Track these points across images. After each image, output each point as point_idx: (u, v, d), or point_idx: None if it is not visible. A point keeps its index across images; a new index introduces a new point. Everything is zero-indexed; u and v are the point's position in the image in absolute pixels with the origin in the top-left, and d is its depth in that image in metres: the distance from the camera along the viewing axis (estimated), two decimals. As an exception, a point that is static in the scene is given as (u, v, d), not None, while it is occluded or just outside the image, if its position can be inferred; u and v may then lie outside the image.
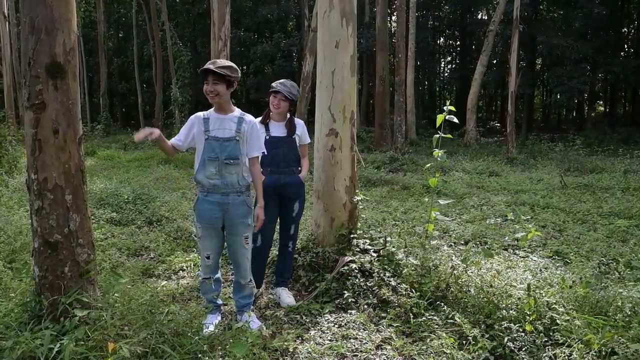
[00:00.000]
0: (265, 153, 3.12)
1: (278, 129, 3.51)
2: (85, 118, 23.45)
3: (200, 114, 2.98)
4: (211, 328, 2.81)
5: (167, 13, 20.36)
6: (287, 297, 3.50)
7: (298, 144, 3.57)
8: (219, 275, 3.19)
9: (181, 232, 5.16)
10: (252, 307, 3.24)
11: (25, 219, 4.70)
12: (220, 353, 2.44)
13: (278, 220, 3.62)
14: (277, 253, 3.75)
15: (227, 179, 2.91)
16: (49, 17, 2.36)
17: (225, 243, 3.07)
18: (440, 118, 3.38)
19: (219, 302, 3.25)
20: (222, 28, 11.18)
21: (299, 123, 3.60)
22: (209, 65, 2.82)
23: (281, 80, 3.50)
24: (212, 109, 2.98)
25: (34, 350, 2.15)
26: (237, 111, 2.99)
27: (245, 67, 25.47)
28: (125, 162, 11.81)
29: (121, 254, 4.48)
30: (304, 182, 3.63)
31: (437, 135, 3.48)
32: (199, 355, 2.39)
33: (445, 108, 3.42)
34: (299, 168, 3.58)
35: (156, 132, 2.74)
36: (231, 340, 2.46)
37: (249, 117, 3.00)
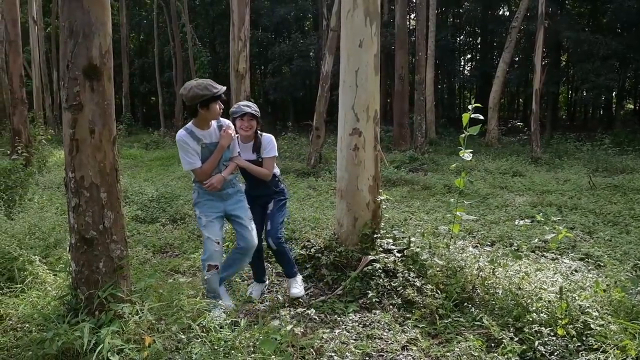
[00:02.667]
0: (240, 154, 3.38)
1: (245, 153, 3.48)
2: (108, 118, 23.89)
3: (184, 132, 3.16)
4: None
5: (187, 14, 20.63)
6: (292, 287, 3.59)
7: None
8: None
9: (205, 230, 5.24)
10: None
11: (56, 215, 4.84)
12: (248, 350, 2.48)
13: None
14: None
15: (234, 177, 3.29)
16: (86, 21, 2.44)
17: (237, 228, 3.34)
18: (466, 117, 3.36)
19: (222, 290, 3.37)
20: (242, 29, 11.29)
21: (266, 138, 3.50)
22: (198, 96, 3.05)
23: (239, 103, 3.50)
24: (190, 124, 3.19)
25: (73, 341, 2.22)
26: (214, 122, 3.24)
27: (263, 67, 25.62)
28: (148, 162, 12.03)
29: (147, 251, 4.58)
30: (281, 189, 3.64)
31: (463, 135, 3.46)
32: (229, 350, 2.43)
33: (470, 106, 3.40)
34: (276, 179, 3.59)
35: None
36: (260, 337, 2.49)
37: (225, 121, 3.30)
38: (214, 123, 3.23)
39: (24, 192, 5.41)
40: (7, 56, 8.64)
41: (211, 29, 27.33)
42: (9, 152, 6.80)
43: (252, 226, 3.36)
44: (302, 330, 2.77)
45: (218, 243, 3.22)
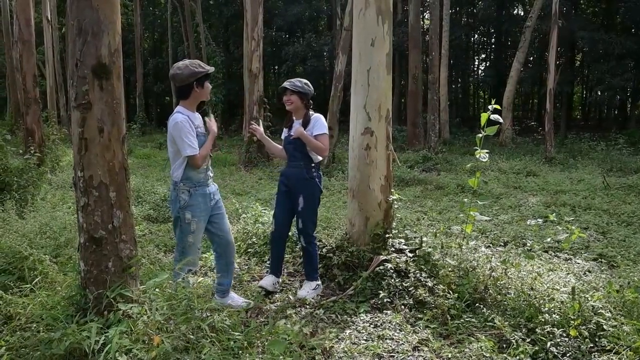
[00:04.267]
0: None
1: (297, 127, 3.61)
2: (122, 118, 24.15)
3: (181, 115, 2.98)
4: None
5: (201, 14, 20.74)
6: (301, 288, 3.61)
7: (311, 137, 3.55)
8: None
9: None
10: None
11: (68, 215, 4.87)
12: (258, 350, 2.45)
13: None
14: None
15: (210, 169, 3.19)
16: (95, 20, 2.43)
17: (216, 231, 3.23)
18: (484, 116, 3.30)
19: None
20: (255, 28, 11.32)
21: (314, 117, 3.59)
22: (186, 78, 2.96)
23: (289, 80, 3.64)
24: (181, 107, 3.03)
25: (81, 342, 2.22)
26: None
27: (277, 67, 25.66)
28: (161, 161, 12.10)
29: (158, 251, 4.59)
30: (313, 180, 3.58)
31: (480, 135, 3.40)
32: (238, 351, 2.41)
33: (489, 107, 3.33)
34: (312, 164, 3.58)
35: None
36: (269, 338, 2.47)
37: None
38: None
39: (36, 191, 5.45)
40: (21, 56, 8.75)
41: (225, 29, 27.45)
42: (22, 151, 6.88)
43: (231, 236, 3.31)
44: (310, 330, 2.74)
45: (199, 250, 3.19)
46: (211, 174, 3.21)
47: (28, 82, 8.82)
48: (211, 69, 3.08)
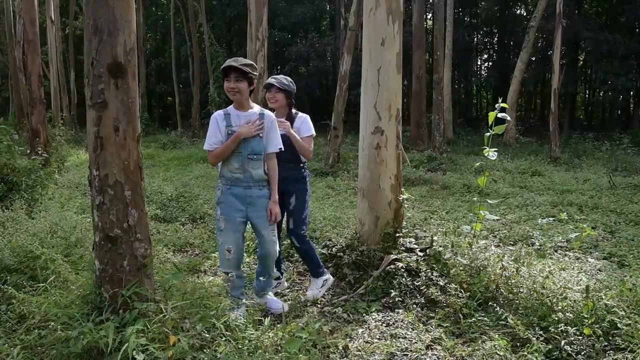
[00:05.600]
0: (282, 149, 3.12)
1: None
2: (125, 118, 24.18)
3: (219, 111, 3.03)
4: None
5: (204, 14, 20.76)
6: (309, 289, 3.57)
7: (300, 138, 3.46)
8: (241, 271, 3.22)
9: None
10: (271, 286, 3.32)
11: (77, 215, 4.88)
12: (273, 349, 2.45)
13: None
14: None
15: (250, 173, 3.00)
16: (110, 18, 2.43)
17: (256, 236, 3.17)
18: (492, 115, 3.30)
19: (244, 298, 3.25)
20: (260, 28, 11.28)
21: (301, 117, 3.50)
22: (231, 63, 2.88)
23: (273, 76, 3.53)
24: (231, 106, 3.03)
25: (98, 340, 2.22)
26: (257, 107, 3.05)
27: (280, 67, 25.67)
28: (165, 161, 12.13)
29: (168, 250, 4.59)
30: (304, 180, 3.53)
31: (488, 134, 3.39)
32: (253, 349, 2.41)
33: (497, 105, 3.33)
34: (301, 164, 3.50)
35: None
36: (285, 336, 2.47)
37: (268, 112, 3.07)
38: (256, 110, 3.03)
39: (44, 191, 5.46)
40: (26, 56, 8.76)
41: (228, 29, 27.46)
42: (28, 151, 6.90)
43: (271, 237, 3.11)
44: (329, 328, 2.74)
45: (229, 251, 3.05)
46: (257, 177, 3.01)
47: (33, 83, 8.83)
48: (231, 63, 2.92)
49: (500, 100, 3.48)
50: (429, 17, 24.21)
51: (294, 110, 3.52)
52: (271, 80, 3.44)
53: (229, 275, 3.10)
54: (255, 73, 2.93)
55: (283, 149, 3.12)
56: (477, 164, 3.72)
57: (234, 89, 2.90)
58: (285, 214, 3.50)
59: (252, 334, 2.51)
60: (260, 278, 3.29)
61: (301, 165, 3.51)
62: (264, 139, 3.00)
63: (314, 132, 3.53)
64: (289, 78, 3.52)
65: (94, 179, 2.53)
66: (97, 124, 2.47)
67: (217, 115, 3.04)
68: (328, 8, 25.86)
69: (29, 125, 9.12)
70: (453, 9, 17.61)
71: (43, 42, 18.18)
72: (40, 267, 3.25)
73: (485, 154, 3.45)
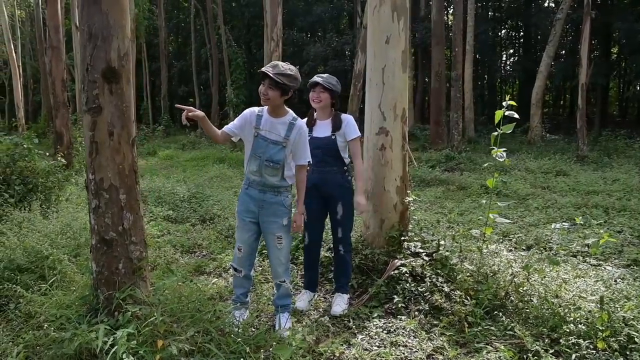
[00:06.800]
0: (311, 162, 3.04)
1: (322, 129, 3.32)
2: (147, 120, 24.70)
3: (255, 109, 3.00)
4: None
5: (222, 16, 20.96)
6: (335, 304, 3.33)
7: (344, 141, 3.33)
8: (250, 273, 3.16)
9: (232, 230, 5.24)
10: (289, 308, 3.16)
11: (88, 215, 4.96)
12: (264, 355, 2.42)
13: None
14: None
15: (266, 179, 2.93)
16: (104, 24, 2.44)
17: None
18: (499, 114, 3.18)
19: (247, 299, 3.19)
20: (275, 29, 11.35)
21: (346, 118, 3.33)
22: (267, 69, 2.80)
23: (319, 74, 3.38)
24: (265, 108, 2.98)
25: (90, 342, 2.23)
26: (289, 115, 2.94)
27: (298, 67, 25.72)
28: (183, 162, 12.27)
29: (175, 251, 4.62)
30: (350, 185, 3.40)
31: (496, 133, 3.27)
32: (244, 355, 2.38)
33: (504, 103, 3.20)
34: (345, 168, 3.36)
35: (199, 113, 2.78)
36: (275, 343, 2.43)
37: (300, 123, 2.94)
38: (287, 119, 2.92)
39: (61, 192, 5.59)
40: (51, 61, 9.02)
41: (247, 30, 27.68)
42: (53, 153, 7.09)
43: (275, 243, 2.98)
44: (314, 338, 2.68)
45: (240, 250, 3.03)
46: (272, 184, 2.93)
47: (57, 87, 9.09)
48: (267, 70, 2.82)
49: (508, 97, 3.34)
50: (450, 12, 23.81)
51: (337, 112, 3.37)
52: (317, 78, 3.28)
53: (238, 272, 3.09)
54: (291, 84, 2.82)
55: (312, 162, 3.04)
56: (485, 164, 3.59)
57: (265, 95, 2.84)
58: (331, 221, 3.41)
59: (246, 338, 2.48)
60: (275, 298, 3.19)
61: (345, 168, 3.35)
62: (288, 149, 2.90)
63: (359, 133, 3.34)
64: (335, 78, 3.36)
65: (90, 183, 2.55)
66: (92, 129, 2.50)
67: (251, 110, 2.97)
68: (346, 7, 25.71)
69: (54, 128, 9.38)
70: (475, 3, 17.23)
71: (70, 47, 18.74)
72: (48, 267, 3.32)
73: (494, 155, 3.33)
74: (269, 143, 2.89)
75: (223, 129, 2.99)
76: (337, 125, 3.30)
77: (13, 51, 18.51)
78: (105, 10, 2.45)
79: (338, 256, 3.46)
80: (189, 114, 2.74)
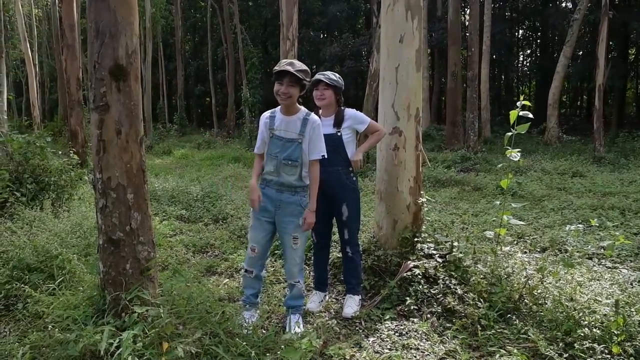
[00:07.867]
0: (326, 156, 2.98)
1: (326, 127, 3.24)
2: (163, 119, 24.91)
3: (267, 113, 3.00)
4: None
5: (238, 16, 21.03)
6: (347, 306, 3.27)
7: (357, 135, 3.31)
8: (262, 273, 3.12)
9: (245, 230, 5.21)
10: (301, 309, 3.12)
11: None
12: (272, 358, 2.38)
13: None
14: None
15: (284, 178, 2.91)
16: (112, 21, 2.42)
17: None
18: (513, 114, 3.09)
19: (257, 300, 3.15)
20: (290, 29, 11.29)
21: (349, 112, 3.29)
22: (286, 67, 2.75)
23: (320, 72, 3.33)
24: (278, 108, 2.95)
25: (95, 344, 2.21)
26: (303, 111, 2.92)
27: (315, 67, 25.70)
28: (198, 161, 12.33)
29: (187, 251, 4.61)
30: (354, 186, 3.33)
31: (510, 133, 3.18)
32: (251, 358, 2.34)
33: (519, 103, 3.12)
34: (350, 168, 3.28)
35: (255, 193, 2.89)
36: (283, 346, 2.38)
37: (313, 117, 2.91)
38: (301, 115, 2.90)
39: (74, 191, 5.62)
40: (66, 60, 9.11)
41: (264, 30, 27.75)
42: (67, 152, 7.15)
43: (291, 243, 2.95)
44: (321, 341, 2.63)
45: (254, 250, 2.99)
46: (290, 183, 2.91)
47: (72, 86, 9.19)
48: (287, 67, 2.79)
49: (522, 97, 3.25)
50: (467, 12, 23.54)
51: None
52: (319, 76, 3.25)
53: (249, 273, 3.05)
54: (308, 80, 2.83)
55: (326, 156, 2.98)
56: (500, 165, 3.50)
57: (285, 94, 2.78)
58: (337, 222, 3.36)
59: (254, 340, 2.44)
60: (287, 299, 3.16)
61: (350, 169, 3.28)
62: (304, 145, 2.86)
63: (369, 119, 3.32)
64: (337, 74, 3.31)
65: (97, 182, 2.53)
66: (99, 127, 2.48)
67: (264, 117, 2.98)
68: (363, 7, 25.60)
69: (69, 126, 9.48)
70: (491, 3, 17.01)
71: (86, 47, 18.98)
72: (57, 267, 3.31)
73: (508, 155, 3.25)
74: (284, 142, 2.87)
75: (254, 152, 3.08)
76: (339, 121, 3.26)
77: (29, 49, 18.79)
78: (112, 7, 2.42)
79: (346, 258, 3.41)
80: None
